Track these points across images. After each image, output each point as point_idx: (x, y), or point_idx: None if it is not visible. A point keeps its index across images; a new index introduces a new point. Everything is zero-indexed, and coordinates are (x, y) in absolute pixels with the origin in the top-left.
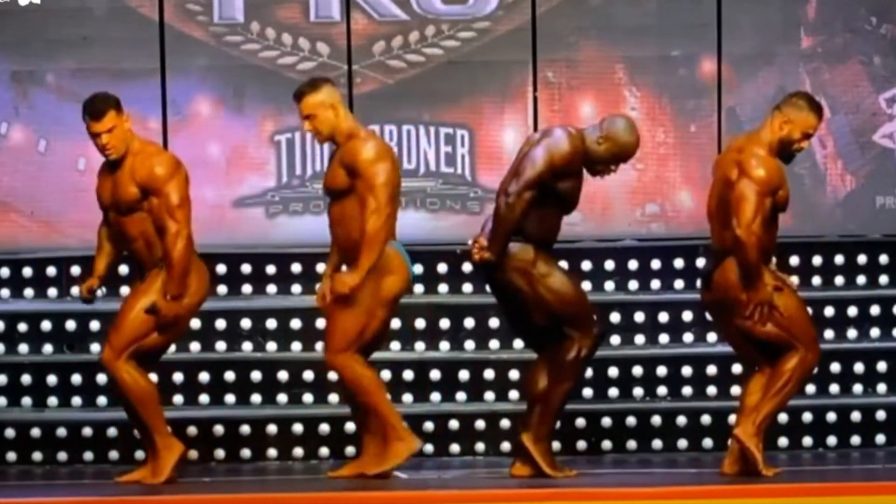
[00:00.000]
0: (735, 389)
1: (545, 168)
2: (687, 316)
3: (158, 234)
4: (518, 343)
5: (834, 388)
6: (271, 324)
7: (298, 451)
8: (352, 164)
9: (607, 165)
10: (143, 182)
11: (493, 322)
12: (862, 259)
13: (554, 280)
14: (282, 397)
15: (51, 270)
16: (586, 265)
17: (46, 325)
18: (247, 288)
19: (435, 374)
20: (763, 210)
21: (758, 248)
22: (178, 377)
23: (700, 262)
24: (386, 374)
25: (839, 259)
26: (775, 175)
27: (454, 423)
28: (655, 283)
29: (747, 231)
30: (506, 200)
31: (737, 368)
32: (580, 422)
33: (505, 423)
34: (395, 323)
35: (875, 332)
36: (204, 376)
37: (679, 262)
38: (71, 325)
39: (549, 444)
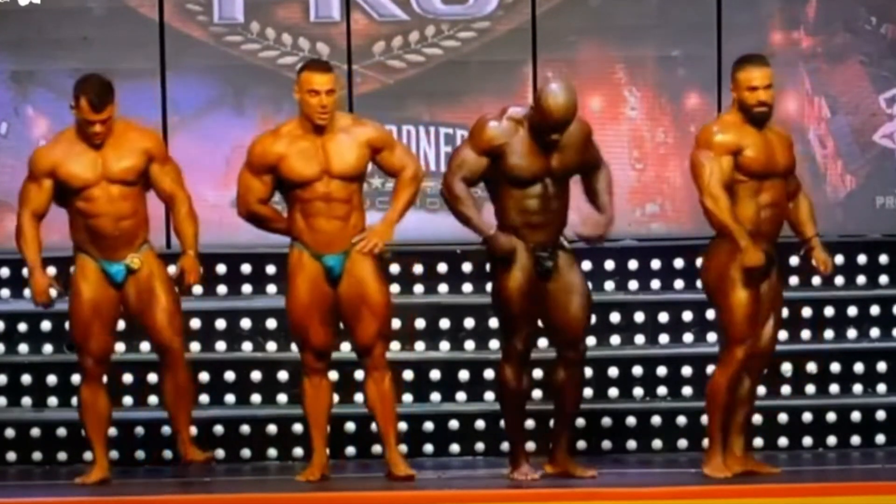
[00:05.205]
0: None
1: (467, 148)
2: (687, 316)
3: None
4: None
5: (834, 388)
6: (271, 324)
7: (298, 452)
8: (375, 140)
9: (539, 134)
10: (151, 152)
11: (493, 322)
12: (862, 259)
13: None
14: (282, 397)
15: (50, 270)
16: (586, 265)
17: (46, 325)
18: (247, 288)
19: (435, 374)
20: (721, 170)
21: (727, 209)
22: None
23: (700, 263)
24: None
25: (839, 259)
26: (727, 133)
27: (454, 423)
28: (655, 283)
29: (708, 195)
30: (440, 190)
31: None
32: (580, 422)
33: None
34: (396, 323)
35: (875, 332)
36: (204, 376)
37: (679, 262)
38: None
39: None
